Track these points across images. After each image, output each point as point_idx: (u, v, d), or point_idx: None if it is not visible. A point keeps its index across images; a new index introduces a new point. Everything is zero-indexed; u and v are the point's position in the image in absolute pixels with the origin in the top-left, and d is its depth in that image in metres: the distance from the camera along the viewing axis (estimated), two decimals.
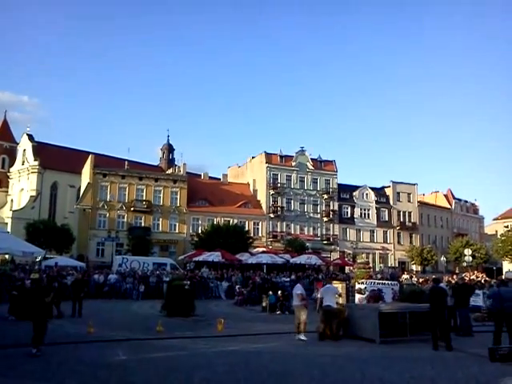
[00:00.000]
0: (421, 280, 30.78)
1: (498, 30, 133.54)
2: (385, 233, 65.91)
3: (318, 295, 13.96)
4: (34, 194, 65.96)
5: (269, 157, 61.40)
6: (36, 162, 66.24)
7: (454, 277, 30.24)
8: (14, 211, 64.63)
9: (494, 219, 70.12)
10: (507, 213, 66.82)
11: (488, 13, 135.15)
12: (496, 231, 66.19)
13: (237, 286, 28.63)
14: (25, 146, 69.58)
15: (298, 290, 13.73)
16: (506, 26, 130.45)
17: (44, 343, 10.22)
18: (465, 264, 46.89)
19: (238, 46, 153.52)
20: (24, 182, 68.38)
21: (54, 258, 36.25)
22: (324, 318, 12.93)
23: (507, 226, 56.79)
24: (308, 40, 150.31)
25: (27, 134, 69.99)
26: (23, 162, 68.87)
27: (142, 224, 53.51)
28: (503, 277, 31.26)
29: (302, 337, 12.64)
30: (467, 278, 25.28)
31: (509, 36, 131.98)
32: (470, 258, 44.48)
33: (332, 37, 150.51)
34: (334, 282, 19.77)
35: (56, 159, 66.35)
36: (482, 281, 29.46)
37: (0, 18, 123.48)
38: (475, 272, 44.34)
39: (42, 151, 67.06)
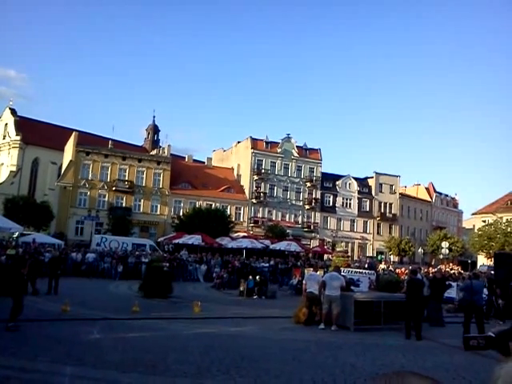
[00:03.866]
0: (397, 271, 31.17)
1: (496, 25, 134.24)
2: (365, 223, 66.54)
3: (303, 282, 13.98)
4: (14, 169, 64.96)
5: (254, 142, 61.30)
6: (18, 137, 65.12)
7: (431, 269, 30.70)
8: None
9: (473, 214, 71.10)
10: (485, 208, 67.76)
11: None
12: (474, 226, 67.14)
13: (215, 270, 28.70)
14: (7, 120, 68.28)
15: (339, 279, 12.92)
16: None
17: (19, 319, 10.11)
18: (441, 256, 47.60)
19: (226, 33, 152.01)
20: (4, 157, 67.24)
21: (31, 234, 35.85)
22: (307, 303, 13.04)
23: (485, 221, 57.70)
24: (295, 29, 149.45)
25: (10, 108, 68.73)
26: (4, 137, 67.62)
27: (123, 204, 53.25)
28: (477, 270, 31.86)
29: (334, 327, 12.19)
30: (443, 270, 25.68)
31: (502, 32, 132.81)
32: (447, 251, 45.14)
33: (321, 26, 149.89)
34: (310, 268, 19.89)
35: (38, 135, 65.24)
36: (456, 273, 29.99)
37: None
38: (450, 264, 45.14)
39: (25, 126, 65.81)
